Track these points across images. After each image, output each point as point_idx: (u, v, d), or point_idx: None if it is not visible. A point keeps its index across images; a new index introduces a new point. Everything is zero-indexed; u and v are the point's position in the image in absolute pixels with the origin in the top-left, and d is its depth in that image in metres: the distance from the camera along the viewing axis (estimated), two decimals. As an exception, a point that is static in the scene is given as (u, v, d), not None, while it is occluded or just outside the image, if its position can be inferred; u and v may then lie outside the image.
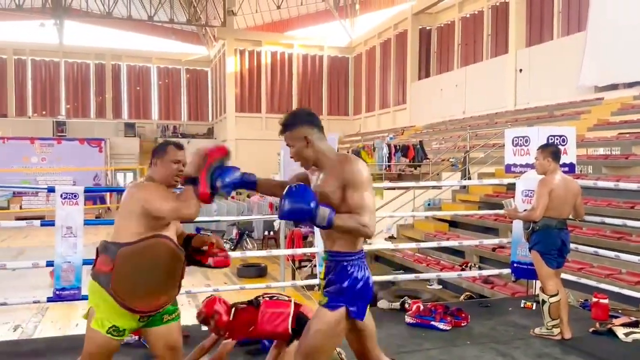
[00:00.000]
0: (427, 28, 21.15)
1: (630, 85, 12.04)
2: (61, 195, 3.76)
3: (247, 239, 13.25)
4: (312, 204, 2.20)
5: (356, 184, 2.29)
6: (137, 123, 26.12)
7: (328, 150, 2.45)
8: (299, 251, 8.29)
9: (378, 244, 10.37)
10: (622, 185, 5.69)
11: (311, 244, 10.62)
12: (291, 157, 2.51)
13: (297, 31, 27.02)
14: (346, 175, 2.30)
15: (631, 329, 3.93)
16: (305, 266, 10.31)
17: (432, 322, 4.25)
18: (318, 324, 2.33)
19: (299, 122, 2.48)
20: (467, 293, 6.25)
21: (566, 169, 5.02)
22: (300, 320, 2.96)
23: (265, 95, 25.15)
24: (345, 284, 2.33)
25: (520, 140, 5.17)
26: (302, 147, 2.44)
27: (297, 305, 3.17)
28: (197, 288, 7.87)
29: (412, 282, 8.85)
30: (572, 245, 4.53)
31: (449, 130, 17.00)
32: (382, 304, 4.82)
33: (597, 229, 7.07)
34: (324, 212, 2.21)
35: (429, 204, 11.37)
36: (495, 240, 7.66)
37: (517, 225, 4.90)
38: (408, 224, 11.33)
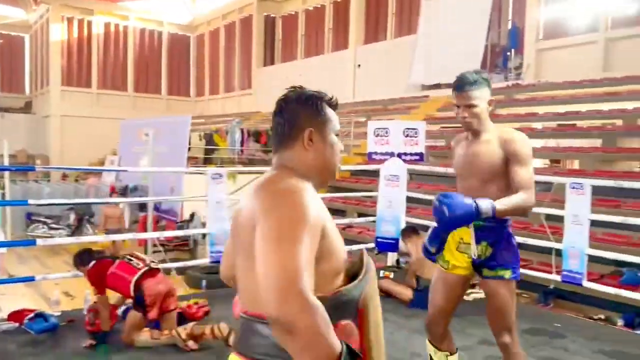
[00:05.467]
0: (272, 16, 21.60)
1: (451, 85, 13.95)
2: None
3: (88, 225, 12.37)
4: (473, 205, 2.15)
5: (523, 158, 2.27)
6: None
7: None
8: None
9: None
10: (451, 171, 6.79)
11: (163, 228, 10.39)
12: (465, 118, 2.35)
13: (133, 3, 25.40)
14: (510, 149, 2.29)
15: (471, 290, 4.84)
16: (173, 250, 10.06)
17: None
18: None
19: (487, 83, 2.36)
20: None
21: (417, 157, 5.85)
22: None
23: (96, 69, 23.26)
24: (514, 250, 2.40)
25: (381, 131, 5.86)
26: (485, 108, 2.33)
27: None
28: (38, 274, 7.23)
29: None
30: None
31: (294, 117, 17.72)
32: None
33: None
34: (485, 206, 2.16)
35: (280, 188, 11.86)
36: (344, 220, 8.54)
37: (382, 205, 5.59)
38: (261, 206, 11.70)
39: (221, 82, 23.88)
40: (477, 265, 2.44)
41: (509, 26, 14.22)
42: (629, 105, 9.40)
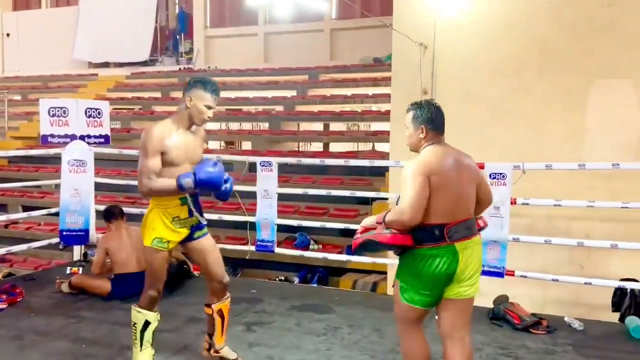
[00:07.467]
0: None
1: (121, 65, 13.32)
2: None
3: None
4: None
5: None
6: None
7: None
8: None
9: None
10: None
11: None
12: (209, 117, 2.78)
13: None
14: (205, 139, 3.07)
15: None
16: None
17: (-15, 305, 3.89)
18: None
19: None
20: (5, 270, 5.77)
21: (102, 140, 5.42)
22: None
23: None
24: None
25: (58, 111, 5.17)
26: None
27: None
28: None
29: None
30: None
31: None
32: None
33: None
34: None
35: None
36: (4, 217, 7.27)
37: (66, 194, 4.97)
38: None
39: None
40: (190, 233, 2.94)
41: (177, 10, 14.41)
42: (288, 93, 10.83)
